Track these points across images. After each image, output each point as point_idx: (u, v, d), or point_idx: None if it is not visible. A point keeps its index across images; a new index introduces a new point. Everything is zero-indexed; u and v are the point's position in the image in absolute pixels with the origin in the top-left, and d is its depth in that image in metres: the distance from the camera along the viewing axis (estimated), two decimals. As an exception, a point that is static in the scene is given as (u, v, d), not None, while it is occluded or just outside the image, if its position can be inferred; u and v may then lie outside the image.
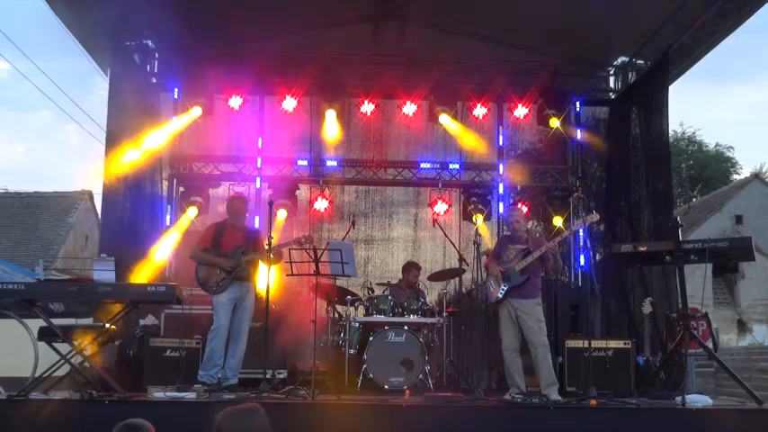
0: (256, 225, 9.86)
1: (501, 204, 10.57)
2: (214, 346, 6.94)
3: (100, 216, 11.55)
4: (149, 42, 10.12)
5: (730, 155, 33.32)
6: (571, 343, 7.83)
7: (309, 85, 10.08)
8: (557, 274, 8.06)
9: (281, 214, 10.14)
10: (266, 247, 6.97)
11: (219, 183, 10.45)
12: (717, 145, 33.43)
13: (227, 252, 7.13)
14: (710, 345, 7.82)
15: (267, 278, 6.97)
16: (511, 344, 6.86)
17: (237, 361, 7.05)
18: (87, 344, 6.71)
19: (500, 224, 10.48)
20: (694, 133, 33.10)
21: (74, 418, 5.77)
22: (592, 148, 10.69)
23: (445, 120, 10.32)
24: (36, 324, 6.82)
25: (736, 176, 31.94)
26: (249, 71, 9.60)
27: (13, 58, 45.99)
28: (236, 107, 10.18)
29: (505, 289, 6.87)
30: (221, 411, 3.21)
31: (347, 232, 9.54)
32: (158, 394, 6.46)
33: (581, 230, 8.13)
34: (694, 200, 30.34)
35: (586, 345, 7.53)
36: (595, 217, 7.06)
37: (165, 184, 10.22)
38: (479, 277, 7.37)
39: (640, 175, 9.93)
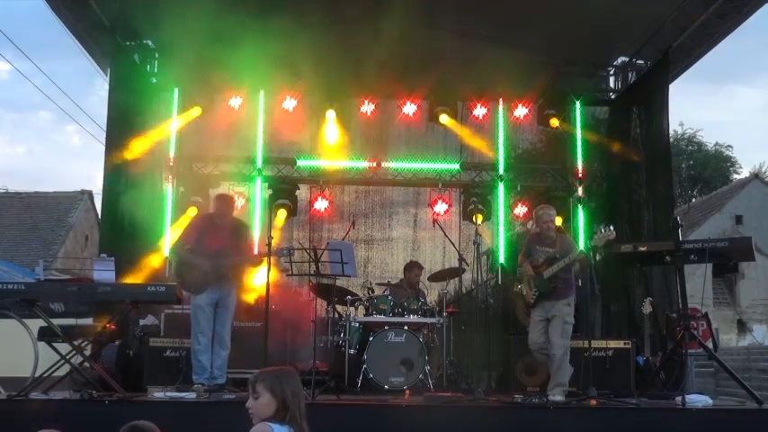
0: (256, 226, 9.87)
1: (501, 205, 10.54)
2: (198, 350, 6.85)
3: (100, 216, 11.54)
4: (149, 42, 10.11)
5: (730, 154, 33.38)
6: (571, 343, 7.82)
7: (310, 86, 10.08)
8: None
9: (281, 214, 10.13)
10: (252, 246, 6.97)
11: (219, 183, 10.42)
12: (716, 144, 33.49)
13: (209, 253, 6.96)
14: (710, 345, 7.83)
15: (267, 278, 6.96)
16: (535, 342, 6.94)
17: (223, 362, 6.99)
18: (87, 344, 6.72)
19: (500, 224, 10.48)
20: (695, 134, 33.16)
21: (74, 418, 5.77)
22: (592, 148, 10.68)
23: (445, 120, 10.32)
24: (36, 324, 6.82)
25: (735, 176, 32.01)
26: (249, 71, 9.59)
27: (13, 58, 46.04)
28: (236, 107, 10.18)
29: (536, 295, 6.95)
30: (258, 372, 3.37)
31: (347, 232, 9.55)
32: (158, 394, 6.47)
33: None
34: (694, 200, 30.35)
35: (586, 345, 7.53)
36: (612, 234, 6.82)
37: (165, 184, 10.20)
38: (479, 277, 7.37)
39: (640, 175, 9.93)
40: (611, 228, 6.90)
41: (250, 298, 8.26)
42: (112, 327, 6.95)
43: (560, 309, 6.82)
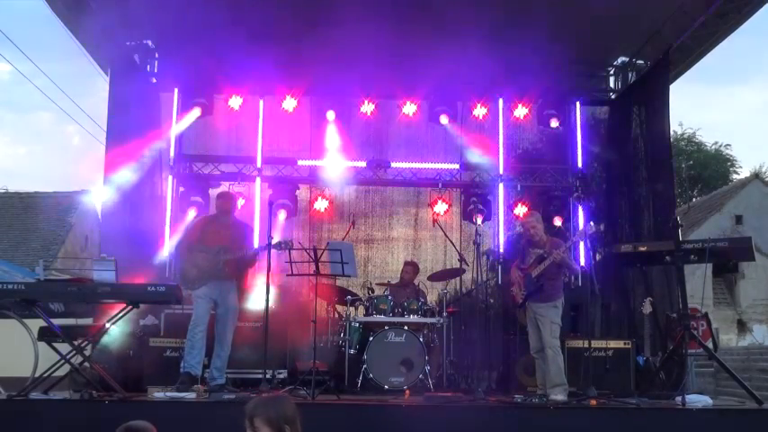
0: (256, 226, 9.86)
1: (501, 205, 10.54)
2: (192, 336, 6.92)
3: (100, 217, 11.53)
4: (149, 42, 10.11)
5: (729, 152, 33.37)
6: (571, 343, 7.83)
7: (309, 85, 10.07)
8: (573, 275, 8.21)
9: (282, 214, 10.13)
10: (253, 245, 6.98)
11: (219, 183, 10.42)
12: (715, 143, 33.49)
13: (209, 248, 7.07)
14: (710, 345, 7.83)
15: (267, 278, 6.96)
16: (535, 346, 6.95)
17: (223, 362, 7.04)
18: (87, 344, 6.72)
19: (500, 224, 10.48)
20: (694, 133, 33.15)
21: (74, 418, 5.77)
22: (592, 147, 10.67)
23: (445, 120, 10.32)
24: (36, 324, 6.82)
25: (735, 176, 32.01)
26: (249, 71, 9.60)
27: (14, 59, 45.96)
28: (236, 107, 10.20)
29: (524, 295, 6.96)
30: (252, 403, 3.25)
31: (347, 232, 9.56)
32: (158, 394, 6.47)
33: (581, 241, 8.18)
34: (694, 200, 30.35)
35: (586, 345, 7.54)
36: (592, 228, 7.08)
37: (166, 184, 10.20)
38: (479, 277, 7.37)
39: (641, 174, 9.93)
40: (592, 223, 7.19)
41: (250, 298, 8.27)
42: (112, 327, 6.95)
43: (548, 311, 6.86)
